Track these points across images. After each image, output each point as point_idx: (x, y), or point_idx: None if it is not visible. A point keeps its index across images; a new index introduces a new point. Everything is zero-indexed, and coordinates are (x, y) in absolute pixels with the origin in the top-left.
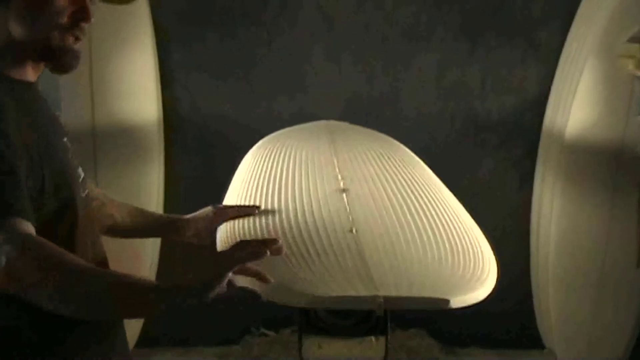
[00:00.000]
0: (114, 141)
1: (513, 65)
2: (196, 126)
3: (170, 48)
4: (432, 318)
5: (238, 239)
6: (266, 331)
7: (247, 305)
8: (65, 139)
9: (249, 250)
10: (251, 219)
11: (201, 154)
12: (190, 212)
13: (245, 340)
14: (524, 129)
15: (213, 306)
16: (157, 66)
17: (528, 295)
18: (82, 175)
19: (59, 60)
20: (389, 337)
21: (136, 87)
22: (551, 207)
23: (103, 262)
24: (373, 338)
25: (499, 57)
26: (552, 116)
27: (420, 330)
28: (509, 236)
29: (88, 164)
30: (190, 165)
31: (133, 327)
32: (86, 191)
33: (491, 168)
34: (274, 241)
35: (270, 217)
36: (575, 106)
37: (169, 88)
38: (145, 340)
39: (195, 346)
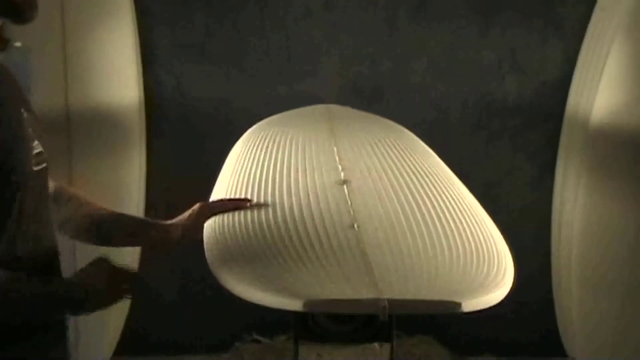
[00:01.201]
0: (90, 128)
1: (532, 44)
2: (181, 111)
3: (153, 26)
4: (441, 323)
5: (227, 235)
6: (259, 337)
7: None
8: (22, 109)
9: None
10: (242, 213)
11: (186, 142)
12: (174, 207)
13: (235, 348)
14: (544, 115)
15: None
16: (138, 45)
17: (548, 298)
18: (39, 149)
19: (19, 11)
20: (394, 344)
21: (115, 69)
22: (574, 201)
23: (53, 254)
24: (377, 345)
25: (516, 36)
26: (576, 101)
27: (428, 336)
28: (528, 233)
29: (61, 154)
30: (175, 155)
31: (112, 334)
32: (41, 166)
33: (508, 158)
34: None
35: (263, 211)
36: (601, 89)
37: (150, 70)
38: (129, 347)
39: (182, 354)
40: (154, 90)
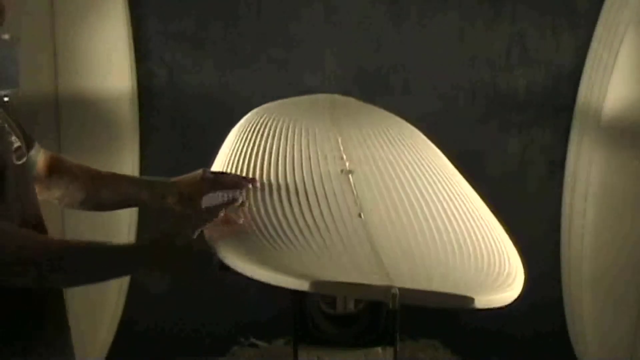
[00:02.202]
0: (81, 121)
1: (543, 33)
2: (175, 103)
3: (145, 14)
4: (446, 327)
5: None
6: (257, 341)
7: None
8: None
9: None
10: (245, 193)
11: (181, 134)
12: None
13: (232, 352)
14: (555, 108)
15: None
16: (131, 35)
17: (558, 302)
18: (17, 144)
19: None
20: (397, 348)
21: (106, 59)
22: (585, 198)
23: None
24: (380, 349)
25: (527, 24)
26: (587, 93)
27: (433, 340)
28: (537, 232)
29: (50, 147)
30: (169, 148)
31: (104, 337)
32: (22, 161)
33: (517, 153)
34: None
35: (267, 192)
36: (614, 81)
37: (143, 60)
38: (122, 351)
39: (178, 358)
40: (146, 82)
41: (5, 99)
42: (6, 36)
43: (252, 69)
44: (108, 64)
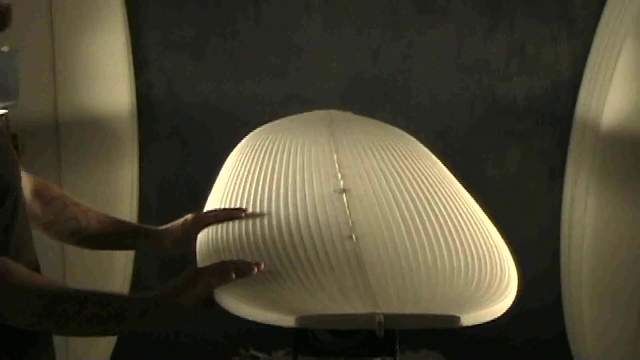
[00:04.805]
0: (81, 133)
1: (542, 42)
2: (174, 115)
3: (144, 25)
4: (447, 338)
5: (220, 249)
6: (257, 353)
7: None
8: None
9: (225, 275)
10: (235, 224)
11: (180, 147)
12: (167, 215)
13: None
14: (554, 116)
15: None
16: (129, 46)
17: (558, 308)
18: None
19: None
20: (397, 358)
21: (105, 71)
22: (585, 206)
23: (34, 268)
24: None
25: (526, 33)
26: (586, 101)
27: (434, 351)
28: (536, 239)
29: (50, 160)
30: (168, 161)
31: (102, 351)
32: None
33: (516, 161)
34: (256, 265)
35: (257, 223)
36: (613, 90)
37: (142, 71)
38: None
39: None
40: (146, 92)
41: (2, 111)
42: (5, 48)
43: (251, 78)
44: (107, 75)
